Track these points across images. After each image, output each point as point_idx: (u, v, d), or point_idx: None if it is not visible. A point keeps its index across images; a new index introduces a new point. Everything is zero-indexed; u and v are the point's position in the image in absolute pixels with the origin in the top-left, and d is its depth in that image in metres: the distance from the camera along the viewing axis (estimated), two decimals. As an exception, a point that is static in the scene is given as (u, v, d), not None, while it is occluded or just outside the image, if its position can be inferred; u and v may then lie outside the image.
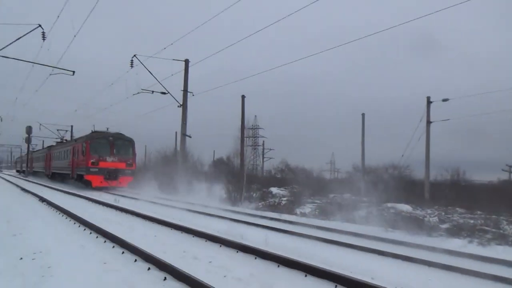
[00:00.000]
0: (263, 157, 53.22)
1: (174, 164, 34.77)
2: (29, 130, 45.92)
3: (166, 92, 21.58)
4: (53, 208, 12.43)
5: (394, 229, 10.81)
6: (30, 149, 50.53)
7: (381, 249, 7.40)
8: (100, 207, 14.11)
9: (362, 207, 16.48)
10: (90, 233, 7.89)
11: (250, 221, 11.27)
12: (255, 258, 6.26)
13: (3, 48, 16.07)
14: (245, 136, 24.01)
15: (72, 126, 51.04)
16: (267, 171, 48.66)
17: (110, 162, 23.22)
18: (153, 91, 21.56)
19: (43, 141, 61.69)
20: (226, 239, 7.32)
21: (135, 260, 5.64)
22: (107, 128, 25.52)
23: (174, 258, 5.72)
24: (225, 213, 13.91)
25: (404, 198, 17.56)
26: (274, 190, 31.48)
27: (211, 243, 7.42)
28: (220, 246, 7.12)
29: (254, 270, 5.49)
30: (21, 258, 5.58)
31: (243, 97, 22.51)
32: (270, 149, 52.68)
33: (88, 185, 23.37)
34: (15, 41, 15.93)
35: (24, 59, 17.61)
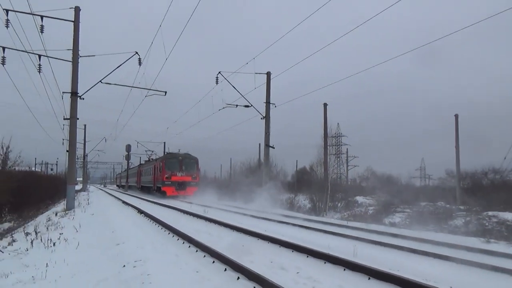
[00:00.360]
0: (347, 165, 51.91)
1: (258, 174, 35.42)
2: (128, 148, 50.24)
3: (250, 105, 22.16)
4: (149, 219, 13.35)
5: (497, 240, 9.78)
6: (128, 167, 55.15)
7: (483, 262, 6.72)
8: (190, 217, 14.83)
9: (459, 216, 15.19)
10: (183, 242, 8.31)
11: (336, 231, 10.99)
12: (344, 269, 6.08)
13: (105, 76, 17.81)
14: (328, 144, 23.64)
15: (164, 143, 54.70)
16: (352, 180, 47.37)
17: (179, 176, 29.23)
18: (237, 105, 22.28)
19: (140, 157, 66.83)
20: (313, 249, 7.21)
21: (225, 270, 5.80)
22: (179, 150, 32.56)
23: (261, 268, 5.78)
24: (310, 224, 13.75)
25: (509, 206, 15.84)
26: (360, 199, 30.45)
27: (297, 253, 7.37)
28: (307, 256, 7.04)
29: (343, 282, 5.32)
30: (124, 266, 6.06)
31: (325, 105, 22.28)
32: (354, 157, 51.28)
33: (164, 194, 28.65)
34: (115, 69, 17.61)
35: (123, 84, 19.35)
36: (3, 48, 15.13)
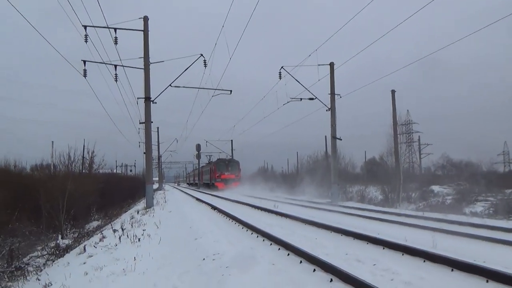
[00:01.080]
0: (419, 154, 49.38)
1: (326, 167, 34.94)
2: (198, 147, 52.25)
3: (314, 97, 21.92)
4: (223, 215, 13.80)
5: None
6: (199, 165, 57.51)
7: None
8: (261, 212, 15.09)
9: (552, 203, 13.83)
10: (257, 236, 8.50)
11: (412, 223, 10.57)
12: (424, 261, 5.84)
13: (174, 80, 18.67)
14: (398, 132, 22.66)
15: (231, 141, 55.98)
16: (426, 169, 44.93)
17: (226, 174, 41.22)
18: (301, 99, 22.14)
19: (210, 156, 69.28)
20: (389, 241, 7.01)
21: (300, 262, 5.85)
22: (227, 156, 47.34)
23: (337, 260, 5.75)
24: (383, 215, 13.36)
25: None
26: (436, 188, 28.82)
27: (373, 245, 7.21)
28: (383, 248, 6.86)
29: (424, 273, 5.12)
30: (204, 259, 6.35)
31: (393, 92, 21.40)
32: (427, 144, 48.57)
33: (216, 188, 40.25)
34: (183, 72, 18.39)
35: (190, 86, 20.12)
36: (84, 62, 16.45)
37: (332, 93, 22.00)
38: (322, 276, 5.14)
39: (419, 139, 48.75)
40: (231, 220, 12.11)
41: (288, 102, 22.70)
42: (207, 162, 54.18)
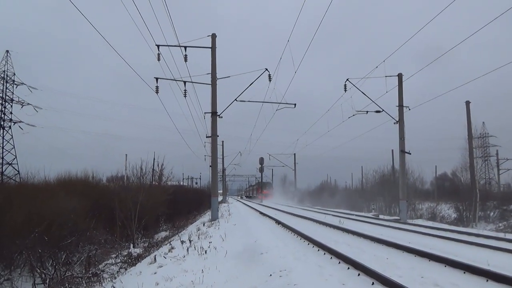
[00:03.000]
0: (498, 169, 45.59)
1: (393, 183, 33.42)
2: (261, 161, 52.66)
3: (381, 110, 21.19)
4: (287, 230, 13.63)
5: None
6: (262, 179, 58.23)
7: None
8: (326, 228, 14.69)
9: None
10: (324, 253, 8.23)
11: (493, 245, 9.65)
12: (513, 290, 5.24)
13: (240, 94, 19.08)
14: (473, 146, 21.10)
15: (294, 154, 55.91)
16: (505, 185, 41.32)
17: (264, 191, 60.52)
18: (367, 111, 21.50)
19: (272, 169, 69.83)
20: (470, 265, 6.42)
21: (372, 283, 5.53)
22: (267, 181, 66.45)
23: (413, 284, 5.36)
24: (458, 236, 12.38)
25: None
26: (518, 207, 26.29)
27: (451, 268, 6.64)
28: (464, 273, 6.28)
29: (516, 304, 4.57)
30: (270, 275, 6.25)
31: (467, 103, 20.05)
32: (507, 159, 44.73)
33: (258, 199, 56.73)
34: (248, 87, 18.74)
35: (255, 100, 20.41)
36: (156, 79, 17.36)
37: (400, 105, 21.11)
38: (397, 300, 4.79)
39: (497, 153, 45.05)
40: (295, 235, 11.90)
41: (353, 115, 22.17)
42: (253, 184, 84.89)
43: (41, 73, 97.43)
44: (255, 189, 75.44)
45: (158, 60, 16.31)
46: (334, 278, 5.90)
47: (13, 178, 34.78)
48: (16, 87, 40.33)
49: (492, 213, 22.38)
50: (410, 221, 20.21)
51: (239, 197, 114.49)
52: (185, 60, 17.51)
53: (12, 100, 40.02)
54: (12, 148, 39.88)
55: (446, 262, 6.97)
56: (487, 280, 5.78)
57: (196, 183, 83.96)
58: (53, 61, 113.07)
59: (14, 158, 39.72)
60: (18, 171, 35.67)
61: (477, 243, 10.09)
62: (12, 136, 40.02)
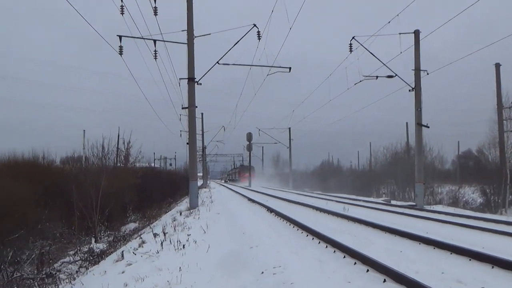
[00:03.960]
0: (531, 146, 46.43)
1: (407, 162, 33.86)
2: (249, 137, 52.66)
3: (394, 74, 21.20)
4: (281, 219, 13.77)
5: None
6: (250, 160, 58.54)
7: None
8: (328, 216, 14.89)
9: None
10: (326, 246, 8.34)
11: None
12: (549, 285, 5.39)
13: (222, 56, 18.86)
14: (504, 118, 21.31)
15: (289, 129, 56.07)
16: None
17: (246, 174, 63.60)
18: (377, 77, 21.50)
19: (262, 147, 70.19)
20: (499, 257, 6.56)
21: (384, 281, 5.62)
22: (247, 164, 64.31)
23: (433, 281, 5.46)
24: (486, 224, 12.66)
25: None
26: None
27: (477, 262, 6.79)
28: (492, 267, 6.43)
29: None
30: (262, 272, 6.31)
31: (497, 65, 20.12)
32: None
33: (240, 182, 76.93)
34: (232, 46, 18.50)
35: (241, 64, 20.22)
36: (120, 37, 17.00)
37: (417, 69, 21.14)
38: (413, 300, 4.89)
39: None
40: (290, 225, 12.03)
41: (360, 82, 22.18)
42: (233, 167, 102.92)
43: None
44: (237, 172, 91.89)
45: (122, 13, 15.93)
46: (338, 275, 5.98)
47: None
48: None
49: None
50: (427, 207, 20.58)
51: (223, 181, 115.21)
52: (155, 13, 17.15)
53: None
54: None
55: (470, 255, 7.12)
56: (518, 275, 5.93)
57: (171, 164, 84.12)
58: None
59: None
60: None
61: (508, 233, 10.32)
62: None
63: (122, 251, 9.86)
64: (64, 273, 11.81)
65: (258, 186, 55.20)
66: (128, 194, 22.67)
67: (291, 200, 23.23)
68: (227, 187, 55.51)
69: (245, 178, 71.05)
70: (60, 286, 9.67)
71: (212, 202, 22.43)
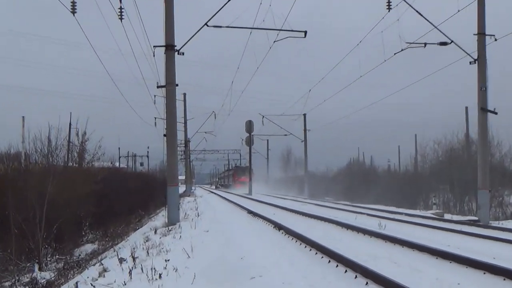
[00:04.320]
0: None
1: (468, 162, 33.71)
2: (249, 126, 52.12)
3: (449, 41, 21.15)
4: (293, 238, 13.79)
5: None
6: (250, 156, 58.52)
7: None
8: (358, 235, 14.90)
9: None
10: (356, 277, 8.35)
11: None
12: None
13: (213, 16, 18.83)
14: None
15: (305, 116, 55.47)
16: None
17: (242, 178, 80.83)
18: (425, 44, 21.45)
19: (267, 140, 70.58)
20: None
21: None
22: (244, 164, 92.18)
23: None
24: None
25: None
26: None
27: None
28: None
29: None
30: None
31: None
32: None
33: (234, 188, 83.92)
34: (226, 3, 18.41)
35: (238, 26, 20.16)
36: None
37: (481, 34, 21.05)
38: None
39: None
40: (306, 247, 12.04)
41: (402, 50, 22.12)
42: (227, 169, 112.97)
43: None
44: (231, 176, 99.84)
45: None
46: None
47: None
48: None
49: None
50: (494, 223, 20.61)
51: (213, 187, 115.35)
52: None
53: None
54: None
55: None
56: None
57: (142, 163, 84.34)
58: None
59: None
60: None
61: None
62: None
63: (77, 283, 9.89)
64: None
65: (261, 194, 55.18)
66: (83, 204, 22.65)
67: (306, 213, 23.24)
68: (219, 195, 55.56)
69: (242, 184, 77.89)
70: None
71: (198, 215, 22.49)
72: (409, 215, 23.59)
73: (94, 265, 12.92)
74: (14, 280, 14.96)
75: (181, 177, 67.22)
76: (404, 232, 15.15)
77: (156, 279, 8.87)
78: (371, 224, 17.31)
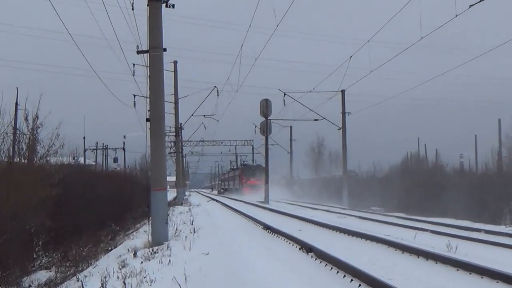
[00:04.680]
0: None
1: None
2: (265, 106, 51.77)
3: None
4: (327, 264, 13.73)
5: None
6: (267, 148, 58.37)
7: None
8: (412, 258, 14.94)
9: None
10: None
11: None
12: None
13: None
14: None
15: (343, 93, 55.14)
16: None
17: (253, 180, 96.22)
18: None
19: (290, 127, 71.24)
20: None
21: None
22: (253, 162, 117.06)
23: None
24: None
25: None
26: None
27: None
28: None
29: None
30: None
31: None
32: None
33: (242, 193, 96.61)
34: None
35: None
36: None
37: None
38: None
39: None
40: (348, 278, 11.95)
41: (480, 1, 21.98)
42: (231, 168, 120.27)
43: None
44: (237, 177, 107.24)
45: None
46: None
47: None
48: None
49: None
50: None
51: (214, 191, 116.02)
52: None
53: None
54: None
55: None
56: None
57: (116, 159, 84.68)
58: None
59: None
60: None
61: None
62: None
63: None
64: None
65: (281, 201, 55.08)
66: (35, 215, 22.69)
67: (345, 229, 23.18)
68: (222, 203, 55.60)
69: (252, 188, 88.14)
70: None
71: (194, 232, 22.48)
72: (491, 233, 23.46)
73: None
74: None
75: (171, 179, 67.28)
76: (484, 256, 15.01)
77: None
78: (436, 243, 17.23)
